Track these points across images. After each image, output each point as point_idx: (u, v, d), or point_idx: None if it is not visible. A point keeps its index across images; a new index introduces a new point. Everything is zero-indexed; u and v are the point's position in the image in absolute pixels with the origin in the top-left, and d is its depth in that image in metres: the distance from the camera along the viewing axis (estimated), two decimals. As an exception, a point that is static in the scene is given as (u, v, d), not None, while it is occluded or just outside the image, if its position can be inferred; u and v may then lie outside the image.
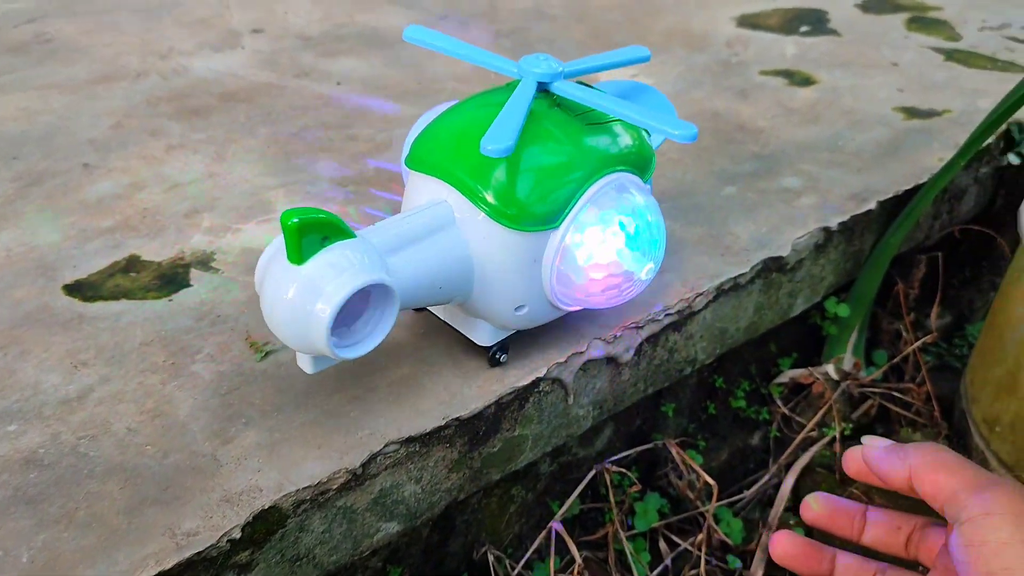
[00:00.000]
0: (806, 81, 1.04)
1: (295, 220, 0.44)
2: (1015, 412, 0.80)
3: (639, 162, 0.57)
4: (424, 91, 0.97)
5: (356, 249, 0.47)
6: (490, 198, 0.52)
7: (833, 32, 1.19)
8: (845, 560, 0.48)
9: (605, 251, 0.54)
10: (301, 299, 0.46)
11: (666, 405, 0.78)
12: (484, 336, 0.59)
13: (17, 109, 0.89)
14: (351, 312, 0.49)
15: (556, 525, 0.69)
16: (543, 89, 0.55)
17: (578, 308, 0.59)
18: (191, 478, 0.51)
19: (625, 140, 0.56)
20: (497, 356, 0.60)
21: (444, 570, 0.67)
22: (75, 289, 0.65)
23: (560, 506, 0.71)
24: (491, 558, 0.68)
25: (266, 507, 0.50)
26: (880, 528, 0.48)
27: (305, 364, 0.51)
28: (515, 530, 0.72)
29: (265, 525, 0.50)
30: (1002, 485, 0.39)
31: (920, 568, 0.47)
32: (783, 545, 0.48)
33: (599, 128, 0.55)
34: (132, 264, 0.68)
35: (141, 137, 0.84)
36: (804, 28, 1.20)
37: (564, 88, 0.55)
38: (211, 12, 1.14)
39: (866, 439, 0.46)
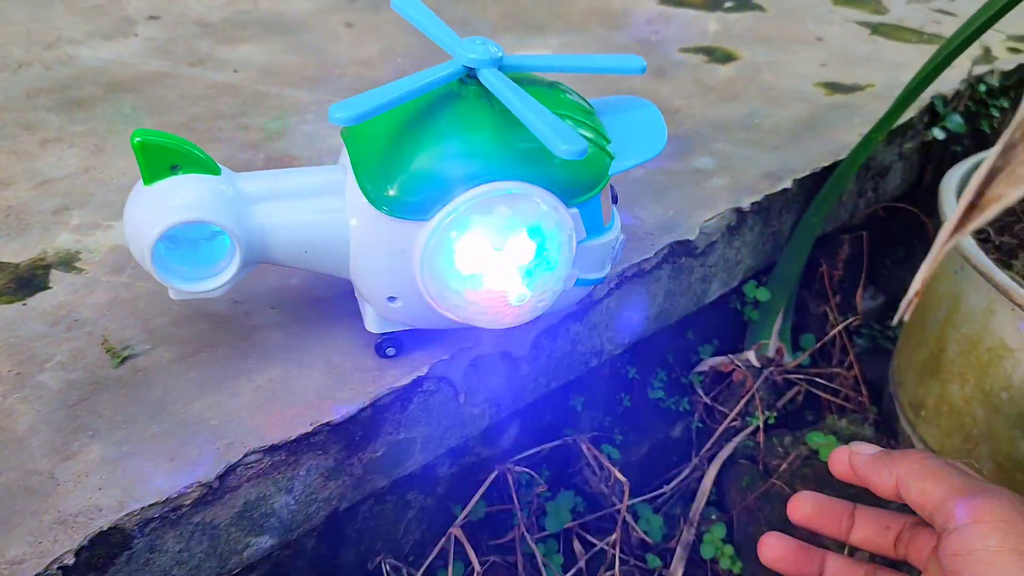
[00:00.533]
0: (727, 58, 1.01)
1: (139, 139, 0.45)
2: (938, 395, 0.78)
3: (559, 179, 0.49)
4: (324, 76, 0.92)
5: (205, 184, 0.46)
6: (367, 174, 0.48)
7: (758, 7, 1.16)
8: (835, 563, 0.47)
9: (485, 264, 0.49)
10: (136, 220, 0.46)
11: (575, 399, 0.74)
12: (371, 322, 0.55)
13: None
14: (206, 247, 0.49)
15: (455, 530, 0.65)
16: (474, 76, 0.49)
17: (461, 321, 0.52)
18: (22, 500, 0.46)
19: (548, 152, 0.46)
20: (384, 348, 0.56)
21: (336, 583, 0.63)
22: (-78, 295, 0.60)
23: (462, 509, 0.68)
24: (385, 568, 0.64)
25: (105, 528, 0.45)
26: (868, 527, 0.47)
27: (171, 293, 0.49)
28: (415, 536, 0.68)
29: (105, 548, 0.45)
30: (990, 492, 0.38)
31: (907, 568, 0.46)
32: (774, 548, 0.47)
33: (518, 131, 0.47)
34: (-12, 266, 0.63)
35: (14, 131, 0.79)
36: (728, 4, 1.17)
37: (490, 79, 0.48)
38: (106, -1, 1.09)
39: (854, 445, 0.45)
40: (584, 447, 0.71)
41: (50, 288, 0.61)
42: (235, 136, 0.81)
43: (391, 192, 0.47)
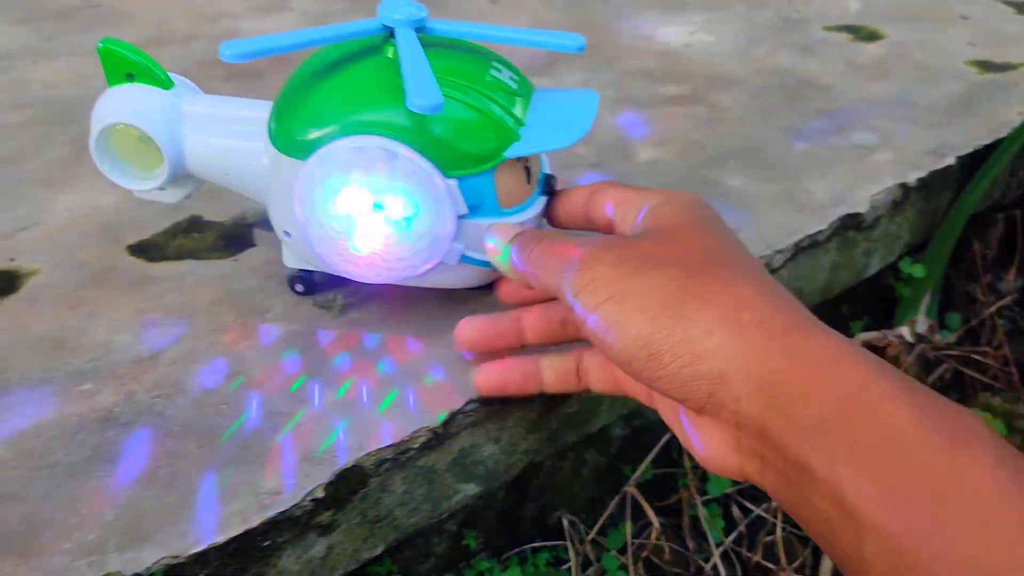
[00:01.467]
0: (872, 36, 1.00)
1: (102, 46, 0.51)
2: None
3: (437, 146, 0.48)
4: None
5: (150, 95, 0.52)
6: (274, 111, 0.52)
7: (896, -13, 1.15)
8: (530, 317, 0.51)
9: (345, 212, 0.50)
10: (92, 116, 0.53)
11: (739, 367, 0.75)
12: (285, 256, 0.58)
13: (71, 74, 0.88)
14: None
15: (631, 489, 0.67)
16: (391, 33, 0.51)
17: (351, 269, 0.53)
18: (269, 440, 0.49)
19: (431, 116, 0.48)
20: (294, 283, 0.59)
21: (518, 534, 0.66)
22: (139, 250, 0.64)
23: (633, 471, 0.70)
24: (565, 523, 0.66)
25: (348, 466, 0.48)
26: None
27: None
28: (588, 494, 0.70)
29: (348, 485, 0.48)
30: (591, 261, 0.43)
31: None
32: (468, 334, 0.52)
33: (396, 89, 0.48)
34: (195, 224, 0.67)
35: (196, 99, 0.83)
36: (866, -16, 1.16)
37: (401, 39, 0.49)
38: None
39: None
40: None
41: (256, 245, 0.64)
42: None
43: (282, 128, 0.51)
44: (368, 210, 0.49)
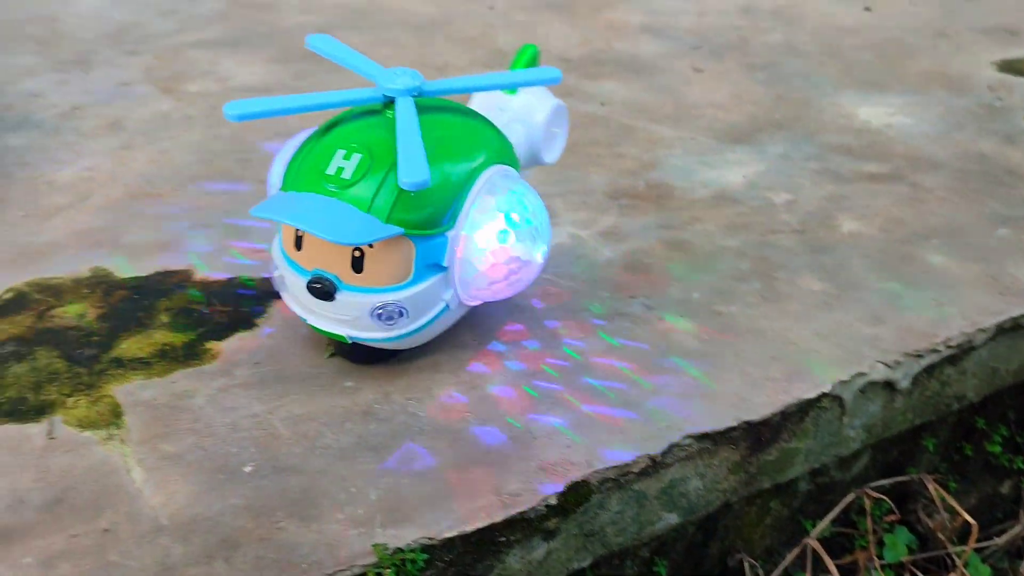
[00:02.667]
0: (1077, 129, 1.01)
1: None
2: None
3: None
4: (683, 115, 1.00)
5: None
6: None
7: (1102, 82, 1.15)
8: None
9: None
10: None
11: (927, 439, 0.77)
12: None
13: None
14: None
15: (812, 542, 0.70)
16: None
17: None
18: (508, 446, 0.55)
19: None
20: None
21: (701, 571, 0.70)
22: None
23: (813, 525, 0.73)
24: (746, 565, 0.69)
25: (578, 479, 0.54)
26: None
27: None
28: (766, 542, 0.73)
29: (575, 497, 0.54)
30: None
31: None
32: None
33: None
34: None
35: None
36: (1069, 76, 1.17)
37: (400, 108, 0.56)
38: (478, 32, 1.22)
39: None
40: (931, 486, 0.75)
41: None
42: (613, 163, 0.90)
43: None
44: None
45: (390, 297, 0.56)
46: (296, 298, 0.59)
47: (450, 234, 0.56)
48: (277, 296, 0.65)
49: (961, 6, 1.39)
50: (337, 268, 0.56)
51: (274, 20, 1.25)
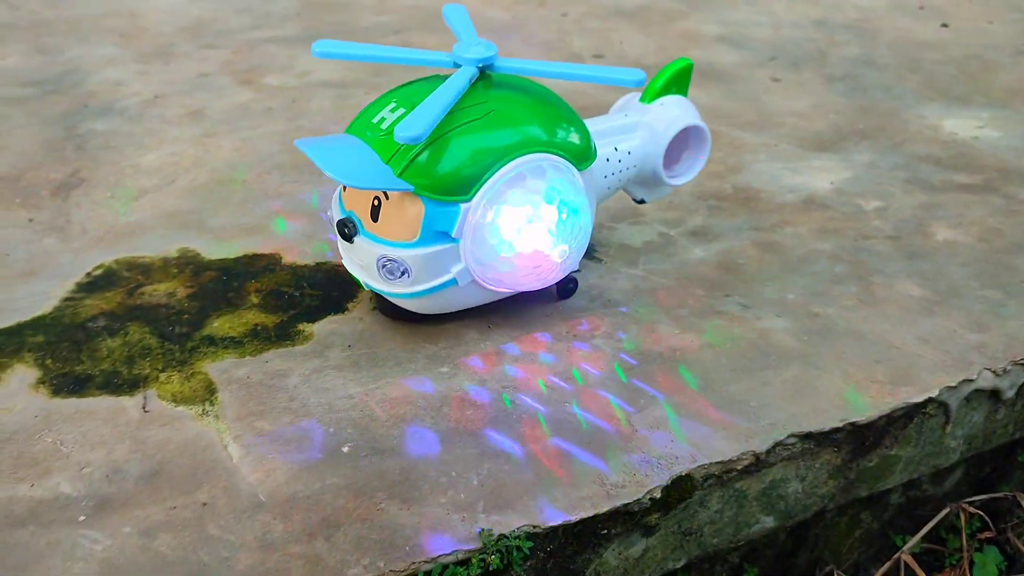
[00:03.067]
0: None
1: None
2: None
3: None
4: (765, 123, 0.99)
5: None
6: None
7: None
8: None
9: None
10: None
11: (1021, 455, 0.75)
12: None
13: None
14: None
15: (906, 556, 0.68)
16: (483, 71, 0.59)
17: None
18: (610, 437, 0.54)
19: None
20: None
21: (789, 580, 0.67)
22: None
23: (903, 540, 0.70)
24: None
25: (682, 474, 0.52)
26: None
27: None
28: (854, 556, 0.71)
29: (678, 492, 0.52)
30: None
31: None
32: None
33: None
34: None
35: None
36: None
37: (504, 66, 0.59)
38: (554, 36, 1.22)
39: None
40: (1027, 504, 0.72)
41: (579, 271, 0.70)
42: (697, 165, 0.89)
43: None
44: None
45: (392, 252, 0.57)
46: (338, 239, 0.61)
47: (464, 205, 0.56)
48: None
49: (1042, 25, 1.36)
50: (361, 213, 0.58)
51: (347, 20, 1.26)
